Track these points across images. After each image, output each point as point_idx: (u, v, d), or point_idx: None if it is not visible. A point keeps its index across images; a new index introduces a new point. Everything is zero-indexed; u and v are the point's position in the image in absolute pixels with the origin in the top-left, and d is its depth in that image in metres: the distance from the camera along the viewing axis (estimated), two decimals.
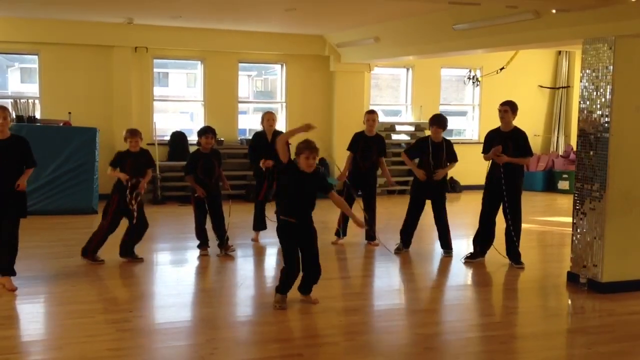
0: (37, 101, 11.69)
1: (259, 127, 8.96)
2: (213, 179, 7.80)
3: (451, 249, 8.12)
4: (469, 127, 14.94)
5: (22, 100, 11.26)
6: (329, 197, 5.91)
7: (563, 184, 14.03)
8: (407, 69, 14.09)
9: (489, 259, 7.79)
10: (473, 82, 14.19)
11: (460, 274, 7.51)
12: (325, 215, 8.38)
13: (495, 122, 7.65)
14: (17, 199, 6.20)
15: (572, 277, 6.91)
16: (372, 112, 8.64)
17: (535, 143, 14.19)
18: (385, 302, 6.46)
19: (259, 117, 8.93)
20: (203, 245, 7.93)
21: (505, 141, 7.40)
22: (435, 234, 8.19)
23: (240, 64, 13.06)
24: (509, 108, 7.46)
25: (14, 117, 10.69)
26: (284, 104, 13.41)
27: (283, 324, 5.69)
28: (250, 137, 9.57)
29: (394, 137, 13.59)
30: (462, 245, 8.47)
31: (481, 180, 7.85)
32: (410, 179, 8.92)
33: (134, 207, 7.25)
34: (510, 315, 6.22)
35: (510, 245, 7.56)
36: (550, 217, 11.16)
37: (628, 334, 5.57)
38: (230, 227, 8.04)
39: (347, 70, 13.21)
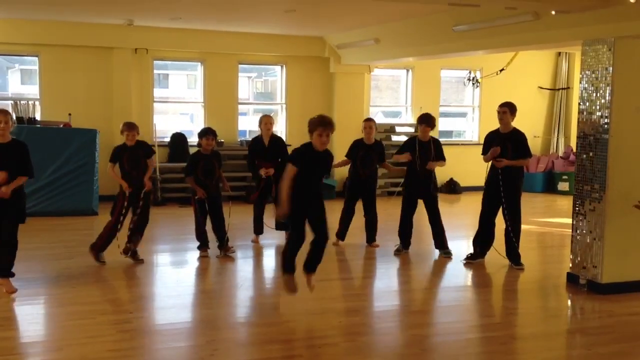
0: (37, 102, 11.70)
1: (258, 129, 8.92)
2: (213, 180, 7.81)
3: (448, 248, 8.14)
4: (468, 128, 14.95)
5: (22, 102, 11.27)
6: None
7: (563, 185, 14.03)
8: (407, 71, 14.10)
9: (488, 260, 7.79)
10: (473, 84, 14.20)
11: (460, 275, 7.51)
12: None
13: (495, 124, 7.66)
14: (16, 203, 6.18)
15: (571, 278, 6.92)
16: (369, 120, 8.64)
17: (535, 144, 14.24)
18: (385, 303, 6.47)
19: (259, 118, 8.90)
20: (203, 246, 7.94)
21: (504, 142, 7.41)
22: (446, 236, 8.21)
23: (240, 66, 13.07)
24: (507, 109, 7.47)
25: (15, 118, 10.70)
26: (284, 106, 13.43)
27: (283, 325, 5.70)
28: (250, 140, 9.54)
29: (394, 138, 13.59)
30: (462, 246, 8.48)
31: (481, 181, 7.86)
32: None
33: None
34: (510, 316, 6.22)
35: (509, 246, 7.57)
36: (550, 218, 11.16)
37: (628, 335, 5.58)
38: (230, 228, 8.04)
39: (347, 72, 13.22)
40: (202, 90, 12.93)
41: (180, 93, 15.46)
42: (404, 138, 13.83)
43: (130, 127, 7.42)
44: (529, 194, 11.92)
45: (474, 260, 7.78)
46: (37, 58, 11.84)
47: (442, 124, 14.59)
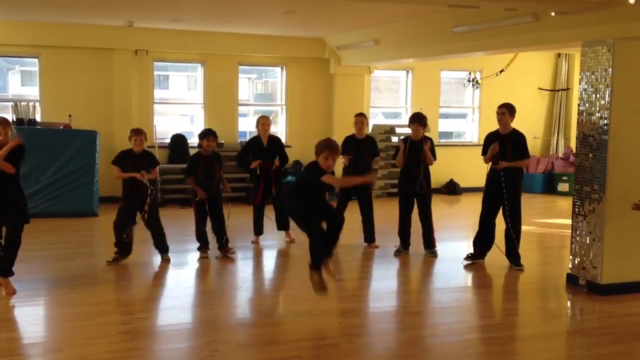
0: (37, 104, 11.69)
1: (256, 130, 8.92)
2: (214, 181, 7.82)
3: (434, 247, 8.16)
4: (468, 129, 14.95)
5: (22, 103, 11.26)
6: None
7: (563, 186, 14.03)
8: (407, 72, 14.11)
9: (488, 260, 7.79)
10: (473, 85, 14.20)
11: (460, 276, 7.51)
12: None
13: (495, 125, 7.67)
14: (16, 203, 6.18)
15: (571, 279, 6.92)
16: (360, 115, 8.61)
17: (535, 145, 14.25)
18: (385, 304, 6.46)
19: (256, 119, 8.90)
20: (203, 247, 7.95)
21: (504, 143, 7.42)
22: (434, 235, 8.20)
23: (240, 67, 13.08)
24: (506, 110, 7.49)
25: (15, 120, 10.71)
26: (284, 107, 13.43)
27: (283, 326, 5.71)
28: (247, 140, 9.55)
29: (394, 139, 13.60)
30: (462, 246, 8.48)
31: (481, 182, 7.86)
32: None
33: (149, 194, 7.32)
34: (510, 316, 6.23)
35: (510, 247, 7.57)
36: (549, 219, 11.16)
37: (627, 336, 5.59)
38: (230, 229, 8.05)
39: (347, 73, 13.23)
40: (202, 92, 12.93)
41: (181, 94, 15.46)
42: None
43: (137, 132, 7.47)
44: (528, 195, 11.93)
45: (474, 261, 7.78)
46: (37, 59, 11.85)
47: (442, 125, 14.62)
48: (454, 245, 8.27)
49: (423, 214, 8.13)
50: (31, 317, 5.80)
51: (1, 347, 4.96)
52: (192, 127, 13.63)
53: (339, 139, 12.33)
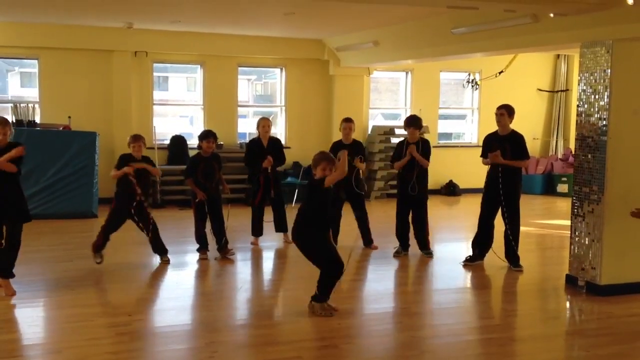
0: (36, 105, 11.70)
1: (256, 132, 8.92)
2: (213, 182, 7.83)
3: (429, 248, 8.17)
4: (468, 130, 14.96)
5: (22, 105, 11.27)
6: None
7: (562, 187, 14.04)
8: (406, 73, 14.11)
9: (487, 261, 7.80)
10: (472, 86, 14.21)
11: (459, 277, 7.52)
12: None
13: (494, 126, 7.67)
14: (15, 203, 6.18)
15: (570, 280, 6.93)
16: (348, 120, 8.51)
17: (534, 146, 14.24)
18: (384, 305, 6.47)
19: (257, 121, 8.91)
20: (203, 248, 7.95)
21: (503, 144, 7.42)
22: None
23: (239, 68, 13.09)
24: (505, 111, 7.49)
25: (14, 121, 10.71)
26: (284, 108, 13.43)
27: (282, 327, 5.71)
28: (247, 142, 9.56)
29: (394, 140, 13.60)
30: (462, 248, 8.49)
31: (480, 183, 7.87)
32: None
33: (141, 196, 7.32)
34: (509, 317, 6.23)
35: (508, 248, 7.58)
36: (549, 220, 11.17)
37: (627, 336, 5.59)
38: (229, 230, 8.05)
39: (347, 74, 13.23)
40: (201, 93, 12.94)
41: (180, 96, 15.49)
42: None
43: (136, 138, 7.49)
44: (528, 196, 11.92)
45: (473, 262, 7.79)
46: (36, 61, 11.85)
47: (442, 126, 14.62)
48: (453, 246, 8.27)
49: (415, 216, 8.14)
50: (31, 319, 5.80)
51: (1, 349, 4.96)
52: (191, 128, 13.64)
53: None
